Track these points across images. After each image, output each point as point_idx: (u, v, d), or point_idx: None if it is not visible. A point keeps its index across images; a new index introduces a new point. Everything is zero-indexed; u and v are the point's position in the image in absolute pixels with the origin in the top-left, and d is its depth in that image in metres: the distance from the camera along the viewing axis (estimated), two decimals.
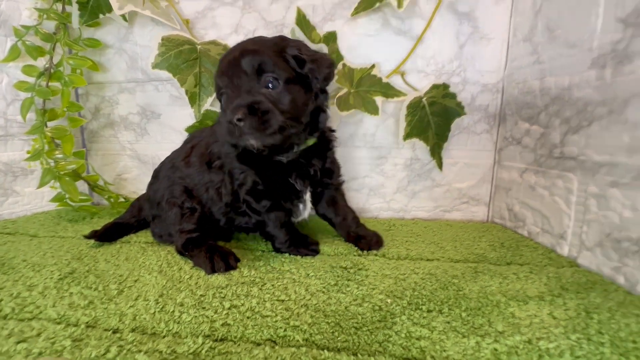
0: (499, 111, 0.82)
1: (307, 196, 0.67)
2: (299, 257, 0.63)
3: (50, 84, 0.81)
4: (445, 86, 0.81)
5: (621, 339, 0.39)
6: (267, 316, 0.44)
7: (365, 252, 0.65)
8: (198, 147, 0.70)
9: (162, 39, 0.79)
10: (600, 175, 0.55)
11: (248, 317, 0.44)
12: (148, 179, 0.98)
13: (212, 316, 0.44)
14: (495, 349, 0.37)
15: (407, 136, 0.81)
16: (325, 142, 0.66)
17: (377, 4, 0.76)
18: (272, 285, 0.52)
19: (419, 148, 0.86)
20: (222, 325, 0.42)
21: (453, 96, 0.81)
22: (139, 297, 0.49)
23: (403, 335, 0.40)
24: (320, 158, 0.65)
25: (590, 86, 0.57)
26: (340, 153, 0.88)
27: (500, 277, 0.54)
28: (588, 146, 0.57)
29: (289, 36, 0.80)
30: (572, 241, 0.61)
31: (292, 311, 0.45)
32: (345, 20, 0.81)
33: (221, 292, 0.50)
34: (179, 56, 0.80)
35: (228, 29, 0.86)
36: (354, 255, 0.64)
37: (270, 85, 0.53)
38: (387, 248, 0.67)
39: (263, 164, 0.62)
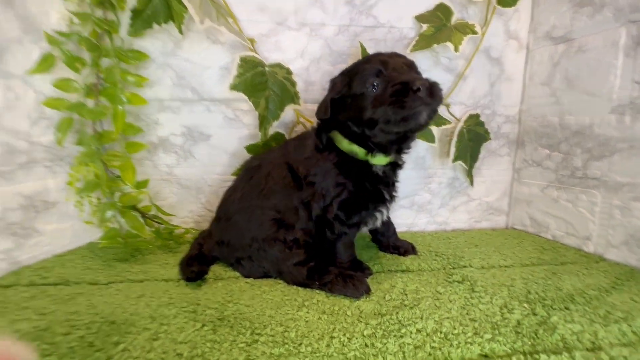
0: (517, 138, 1.01)
1: (391, 204, 0.73)
2: (411, 276, 0.69)
3: (98, 102, 0.69)
4: (477, 116, 0.96)
5: None
6: (457, 334, 0.49)
7: (455, 267, 0.74)
8: (273, 173, 0.69)
9: (241, 59, 0.76)
10: (623, 192, 0.75)
11: (442, 338, 0.48)
12: (189, 205, 0.91)
13: (413, 342, 0.47)
14: (634, 331, 0.50)
15: (456, 159, 0.94)
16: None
17: (434, 45, 0.87)
18: (425, 305, 0.57)
19: (459, 168, 0.99)
20: (432, 349, 0.46)
21: (482, 124, 0.97)
22: (322, 335, 0.48)
23: (569, 332, 0.50)
24: (398, 172, 0.74)
25: (611, 126, 0.77)
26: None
27: (574, 275, 0.69)
28: (611, 170, 0.77)
29: None
30: (598, 241, 0.81)
31: (470, 326, 0.51)
32: None
33: (391, 319, 0.52)
34: (255, 78, 0.78)
35: (293, 53, 0.86)
36: (451, 269, 0.73)
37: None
38: (469, 260, 0.77)
39: (360, 175, 0.67)
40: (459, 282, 0.66)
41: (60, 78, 0.68)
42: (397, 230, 0.99)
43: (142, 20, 0.71)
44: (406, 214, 0.99)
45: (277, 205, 0.65)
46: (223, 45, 0.83)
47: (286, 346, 0.45)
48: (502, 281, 0.66)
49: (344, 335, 0.48)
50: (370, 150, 0.66)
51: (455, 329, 0.50)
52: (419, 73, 0.67)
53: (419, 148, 0.95)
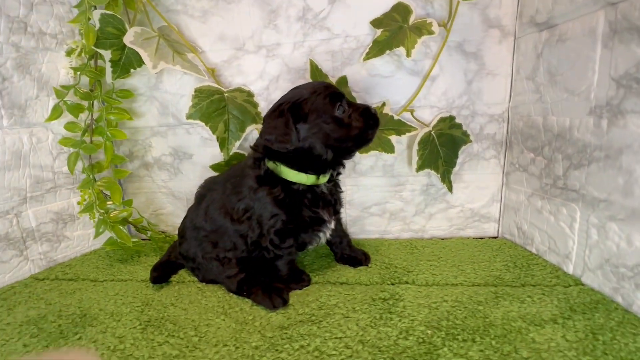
0: (506, 139, 0.91)
1: (332, 225, 0.77)
2: (341, 290, 0.72)
3: (93, 138, 0.87)
4: (451, 118, 0.89)
5: (622, 359, 0.48)
6: (332, 355, 0.53)
7: (394, 283, 0.74)
8: (213, 205, 0.75)
9: (195, 91, 0.86)
10: (600, 210, 0.64)
11: (317, 357, 0.53)
12: (182, 213, 1.06)
13: (287, 358, 0.53)
14: None
15: (420, 168, 0.90)
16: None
17: (387, 51, 0.83)
18: (327, 322, 0.61)
19: (434, 175, 0.94)
20: None
21: (459, 126, 0.90)
22: (218, 342, 0.57)
23: None
24: (339, 187, 0.77)
25: (589, 131, 0.65)
26: (363, 182, 0.97)
27: (518, 301, 0.64)
28: (588, 183, 0.66)
29: None
30: (577, 262, 0.71)
31: (352, 348, 0.54)
32: (362, 64, 0.88)
33: (286, 333, 0.59)
34: (210, 106, 0.87)
35: (253, 75, 0.92)
36: (388, 285, 0.74)
37: None
38: (416, 274, 0.76)
39: (298, 203, 0.70)
40: (383, 299, 0.67)
41: (68, 121, 0.88)
42: (369, 237, 1.01)
43: (119, 68, 0.85)
44: (378, 222, 0.99)
45: (216, 231, 0.74)
46: (191, 76, 0.94)
47: (184, 349, 0.56)
48: (430, 302, 0.65)
49: (234, 344, 0.56)
50: (322, 172, 0.70)
51: (335, 350, 0.54)
52: None
53: (385, 156, 0.94)
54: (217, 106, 0.87)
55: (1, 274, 0.81)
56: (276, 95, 0.93)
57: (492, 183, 0.94)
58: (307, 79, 0.91)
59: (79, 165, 0.88)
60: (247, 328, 0.61)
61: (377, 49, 0.83)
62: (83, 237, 0.98)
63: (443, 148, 0.89)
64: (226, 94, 0.89)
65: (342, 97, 0.67)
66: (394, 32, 0.82)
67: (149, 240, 1.00)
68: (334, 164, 0.72)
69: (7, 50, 0.79)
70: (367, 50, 0.83)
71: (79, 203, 0.88)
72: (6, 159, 0.80)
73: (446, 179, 0.92)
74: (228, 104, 0.88)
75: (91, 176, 0.85)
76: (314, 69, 0.86)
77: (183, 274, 0.83)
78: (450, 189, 0.93)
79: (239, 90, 0.90)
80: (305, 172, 0.69)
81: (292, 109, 0.65)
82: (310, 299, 0.69)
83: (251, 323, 0.62)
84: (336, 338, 0.57)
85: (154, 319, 0.65)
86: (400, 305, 0.65)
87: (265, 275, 0.73)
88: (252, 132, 0.94)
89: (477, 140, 0.91)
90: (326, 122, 0.66)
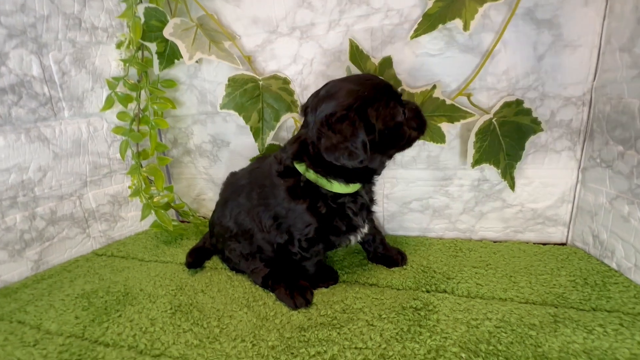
0: (585, 127, 0.74)
1: (365, 229, 0.71)
2: (369, 293, 0.67)
3: (139, 127, 0.92)
4: (518, 102, 0.74)
5: None
6: None
7: (430, 290, 0.67)
8: (239, 210, 0.73)
9: (229, 80, 0.85)
10: None
11: None
12: None
13: None
14: None
15: (476, 163, 0.78)
16: None
17: (440, 26, 0.71)
18: (349, 329, 0.57)
19: (488, 169, 0.81)
20: None
21: (528, 112, 0.75)
22: (237, 336, 0.57)
23: None
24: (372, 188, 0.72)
25: None
26: (403, 175, 0.89)
27: (585, 331, 0.52)
28: None
29: (344, 71, 0.81)
30: None
31: None
32: (405, 41, 0.78)
33: (304, 335, 0.56)
34: (244, 95, 0.85)
35: (287, 59, 0.88)
36: (423, 292, 0.66)
37: None
38: (457, 282, 0.68)
39: (333, 215, 0.65)
40: (414, 309, 0.61)
41: (120, 111, 0.94)
42: (408, 234, 0.93)
43: (165, 59, 0.87)
44: (419, 218, 0.90)
45: (242, 234, 0.72)
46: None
47: (205, 339, 0.57)
48: (470, 318, 0.57)
49: (251, 341, 0.56)
50: (369, 181, 0.68)
51: None
52: None
53: (430, 146, 0.83)
54: (250, 95, 0.85)
55: (68, 248, 0.92)
56: (310, 80, 0.88)
57: (562, 180, 0.79)
58: (343, 61, 0.83)
59: (129, 151, 0.94)
60: (267, 325, 0.60)
61: (428, 23, 0.71)
62: (136, 218, 1.07)
63: (506, 139, 0.76)
64: (261, 82, 0.86)
65: (400, 96, 0.63)
66: (449, 1, 0.70)
67: (189, 223, 1.05)
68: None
69: (65, 46, 0.86)
70: (416, 26, 0.73)
71: (129, 187, 0.95)
72: (68, 147, 0.89)
73: (508, 175, 0.78)
74: (263, 93, 0.86)
75: (138, 163, 0.91)
76: (354, 49, 0.78)
77: (216, 260, 0.86)
78: (512, 186, 0.79)
79: (274, 77, 0.86)
80: (352, 182, 0.64)
81: (362, 118, 0.56)
82: (334, 300, 0.66)
83: (272, 319, 0.61)
84: (355, 348, 0.52)
85: (184, 305, 0.67)
86: (433, 318, 0.58)
87: (292, 272, 0.71)
88: (288, 122, 0.90)
89: (546, 128, 0.76)
90: (393, 132, 0.60)
